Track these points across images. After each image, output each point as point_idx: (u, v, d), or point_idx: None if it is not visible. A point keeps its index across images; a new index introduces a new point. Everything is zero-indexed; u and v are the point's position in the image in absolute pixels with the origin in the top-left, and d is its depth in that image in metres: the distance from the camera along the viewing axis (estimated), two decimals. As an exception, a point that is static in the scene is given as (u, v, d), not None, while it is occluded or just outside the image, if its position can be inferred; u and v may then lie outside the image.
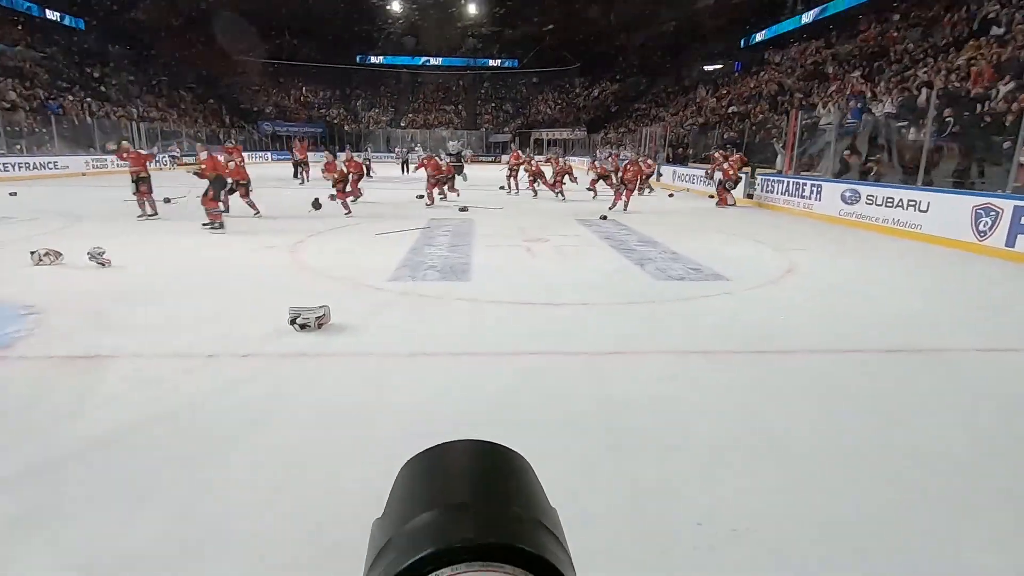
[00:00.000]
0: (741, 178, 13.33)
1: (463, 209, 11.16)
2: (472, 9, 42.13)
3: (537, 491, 0.30)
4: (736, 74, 29.47)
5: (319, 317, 4.05)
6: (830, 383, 3.37)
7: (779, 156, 14.27)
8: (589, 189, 14.29)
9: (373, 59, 45.43)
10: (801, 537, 2.04)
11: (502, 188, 16.14)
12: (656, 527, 2.08)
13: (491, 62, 46.30)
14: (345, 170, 10.77)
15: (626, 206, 11.81)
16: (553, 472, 2.26)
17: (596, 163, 14.78)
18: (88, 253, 5.59)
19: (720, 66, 31.24)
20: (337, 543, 1.94)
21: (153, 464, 2.42)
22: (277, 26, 40.60)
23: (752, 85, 25.51)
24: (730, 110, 24.18)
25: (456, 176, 13.88)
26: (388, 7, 41.46)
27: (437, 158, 13.02)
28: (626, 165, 12.26)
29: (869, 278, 6.11)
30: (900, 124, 11.33)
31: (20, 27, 28.44)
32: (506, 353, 3.77)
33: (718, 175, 13.44)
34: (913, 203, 8.77)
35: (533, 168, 14.92)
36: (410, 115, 44.58)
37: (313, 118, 42.33)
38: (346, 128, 41.52)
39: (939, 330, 4.37)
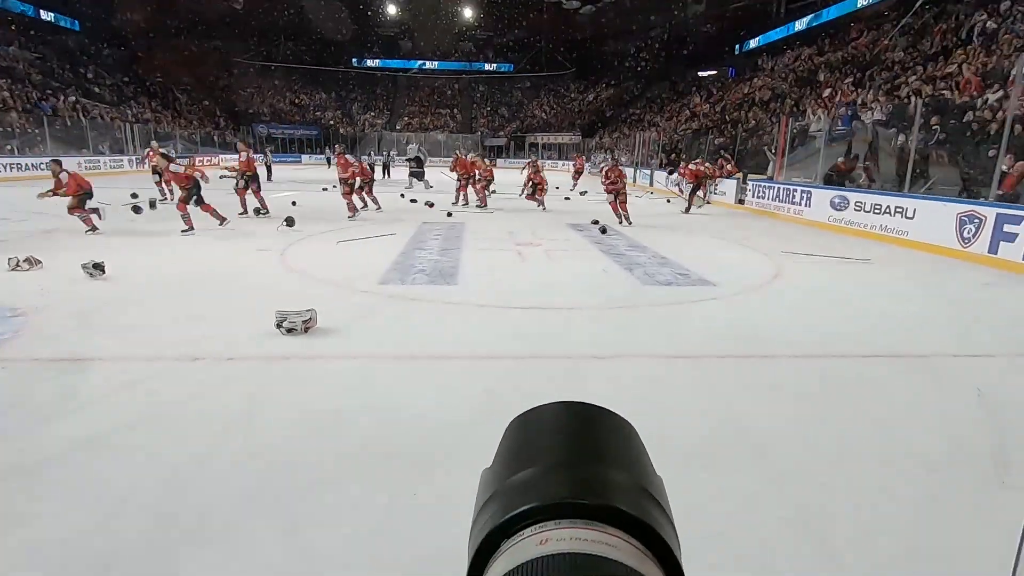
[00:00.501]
0: (701, 183, 12.97)
1: (449, 214, 11.19)
2: (467, 13, 42.30)
3: (643, 458, 0.29)
4: (730, 80, 29.69)
5: (305, 321, 4.07)
6: (813, 387, 3.41)
7: (771, 162, 14.39)
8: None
9: (368, 62, 45.46)
10: (778, 541, 2.07)
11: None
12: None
13: (486, 66, 46.42)
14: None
15: (627, 218, 10.70)
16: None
17: (689, 167, 12.64)
18: (83, 265, 5.45)
19: (714, 72, 31.46)
20: (312, 543, 1.96)
21: (134, 466, 2.43)
22: (272, 29, 40.61)
23: (745, 91, 25.71)
24: (723, 116, 24.36)
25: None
26: (382, 10, 41.58)
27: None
28: (606, 170, 10.96)
29: (855, 283, 6.17)
30: (889, 131, 11.46)
31: (13, 27, 28.33)
32: (489, 356, 3.80)
33: (675, 176, 13.35)
34: (900, 210, 8.86)
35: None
36: (405, 118, 44.62)
37: (308, 121, 42.30)
38: (341, 131, 41.49)
39: (920, 335, 4.43)
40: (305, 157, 38.69)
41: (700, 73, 32.32)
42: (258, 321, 4.15)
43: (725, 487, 2.38)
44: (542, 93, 45.89)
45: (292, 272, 6.13)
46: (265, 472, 2.40)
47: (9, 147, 19.29)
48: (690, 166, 12.73)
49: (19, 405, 2.97)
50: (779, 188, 12.55)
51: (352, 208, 10.61)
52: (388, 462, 2.49)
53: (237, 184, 10.30)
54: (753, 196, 13.66)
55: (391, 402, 3.08)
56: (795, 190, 11.86)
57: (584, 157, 14.66)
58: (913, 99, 12.86)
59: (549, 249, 7.83)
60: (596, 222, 10.52)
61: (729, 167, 13.45)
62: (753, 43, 30.99)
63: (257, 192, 10.32)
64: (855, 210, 9.88)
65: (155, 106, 32.65)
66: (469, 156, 13.79)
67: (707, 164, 13.42)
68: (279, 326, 3.99)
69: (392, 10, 41.76)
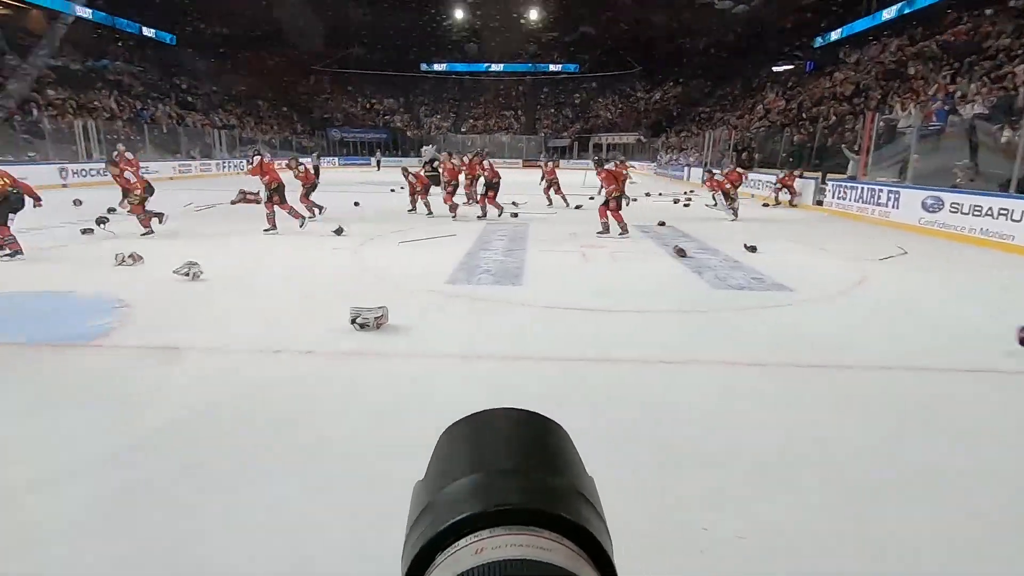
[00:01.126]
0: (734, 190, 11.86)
1: (514, 215, 11.24)
2: (534, 15, 42.43)
3: (575, 460, 0.30)
4: (808, 75, 28.18)
5: (378, 317, 4.22)
6: (892, 401, 3.18)
7: (851, 161, 13.53)
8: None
9: (436, 66, 46.56)
10: (845, 557, 1.95)
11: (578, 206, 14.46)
12: (695, 541, 2.05)
13: (551, 67, 46.41)
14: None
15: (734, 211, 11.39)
16: (598, 480, 2.28)
17: (715, 178, 11.97)
18: (175, 269, 5.58)
19: (791, 67, 29.97)
20: (373, 525, 2.03)
21: (221, 446, 2.61)
22: (346, 36, 42.38)
23: (825, 86, 24.31)
24: (800, 113, 23.15)
25: (431, 186, 11.54)
26: (451, 14, 42.44)
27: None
28: (728, 173, 11.76)
29: (947, 292, 5.70)
30: (993, 126, 10.50)
31: (120, 44, 31.10)
32: (555, 358, 3.79)
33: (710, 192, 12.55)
34: (1005, 212, 8.10)
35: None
36: (470, 120, 45.37)
37: (378, 124, 43.85)
38: (409, 134, 42.76)
39: (1019, 351, 4.03)
40: (374, 160, 40.16)
41: (775, 68, 30.90)
42: (333, 317, 4.34)
43: (798, 501, 2.26)
44: (607, 93, 45.37)
45: (365, 270, 6.37)
46: (328, 462, 2.51)
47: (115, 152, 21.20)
48: (716, 176, 11.91)
49: (126, 386, 3.26)
50: (863, 188, 11.78)
51: (296, 215, 9.26)
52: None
53: (258, 198, 9.64)
54: (833, 197, 12.90)
55: (455, 400, 3.14)
56: (881, 190, 11.10)
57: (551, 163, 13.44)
58: (1021, 90, 11.71)
59: (614, 251, 7.72)
60: (662, 223, 10.29)
61: (726, 175, 12.04)
62: (835, 35, 29.26)
63: (283, 203, 9.08)
64: (951, 212, 9.12)
65: (239, 113, 34.87)
66: (466, 157, 13.02)
67: (736, 170, 12.27)
68: (353, 322, 4.16)
69: (460, 15, 42.54)
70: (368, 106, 45.33)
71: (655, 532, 2.08)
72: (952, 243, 8.63)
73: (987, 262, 7.17)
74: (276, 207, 8.92)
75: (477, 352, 3.86)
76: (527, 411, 0.32)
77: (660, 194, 17.23)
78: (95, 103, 24.13)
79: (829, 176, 13.69)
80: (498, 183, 11.54)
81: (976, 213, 8.60)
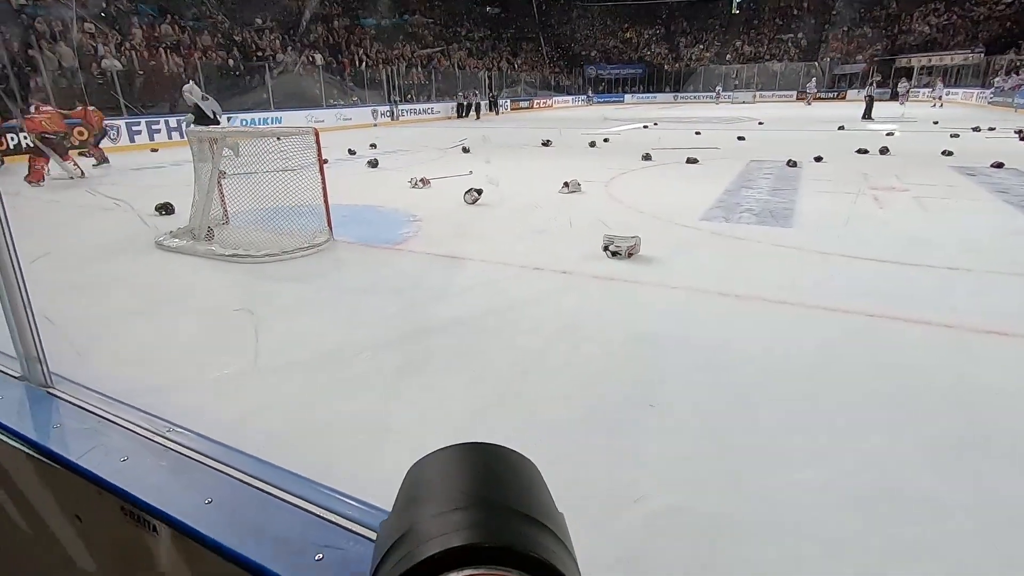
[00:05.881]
0: None
1: (818, 159, 9.80)
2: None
3: (544, 496, 0.29)
4: None
5: (630, 246, 4.20)
6: None
7: None
8: None
9: (703, -11, 42.37)
10: None
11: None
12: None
13: (853, -27, 38.15)
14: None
15: None
16: (887, 457, 1.94)
17: None
18: (466, 192, 6.25)
19: None
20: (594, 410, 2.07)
21: (490, 341, 2.96)
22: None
23: None
24: None
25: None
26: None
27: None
28: None
29: None
30: None
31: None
32: (831, 308, 3.29)
33: None
34: None
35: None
36: (735, 49, 40.62)
37: (634, 60, 42.39)
38: (666, 67, 40.43)
39: None
40: (628, 96, 39.29)
41: None
42: (587, 243, 4.47)
43: None
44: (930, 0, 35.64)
45: (616, 203, 6.38)
46: (585, 380, 2.63)
47: (409, 96, 24.83)
48: None
49: (418, 285, 3.91)
50: None
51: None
52: (718, 396, 2.43)
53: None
54: None
55: (713, 337, 2.97)
56: None
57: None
58: None
59: (920, 196, 6.24)
60: (999, 164, 7.90)
61: None
62: None
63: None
64: None
65: (507, 55, 37.27)
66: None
67: None
68: (606, 249, 4.23)
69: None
70: (625, 39, 43.95)
71: (968, 545, 1.70)
72: None
73: None
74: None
75: (736, 291, 3.57)
76: (493, 445, 0.31)
77: (991, 128, 13.23)
78: (397, 53, 28.39)
79: None
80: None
81: None
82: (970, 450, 2.02)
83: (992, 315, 3.13)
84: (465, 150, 11.21)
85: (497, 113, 26.84)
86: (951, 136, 11.48)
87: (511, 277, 3.95)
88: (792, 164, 8.52)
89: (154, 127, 13.39)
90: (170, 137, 13.38)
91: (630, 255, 4.20)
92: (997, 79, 24.32)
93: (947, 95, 25.91)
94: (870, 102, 17.91)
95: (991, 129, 13.12)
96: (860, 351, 2.78)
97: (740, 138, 12.83)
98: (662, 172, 8.42)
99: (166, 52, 16.78)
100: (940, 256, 4.14)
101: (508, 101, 29.14)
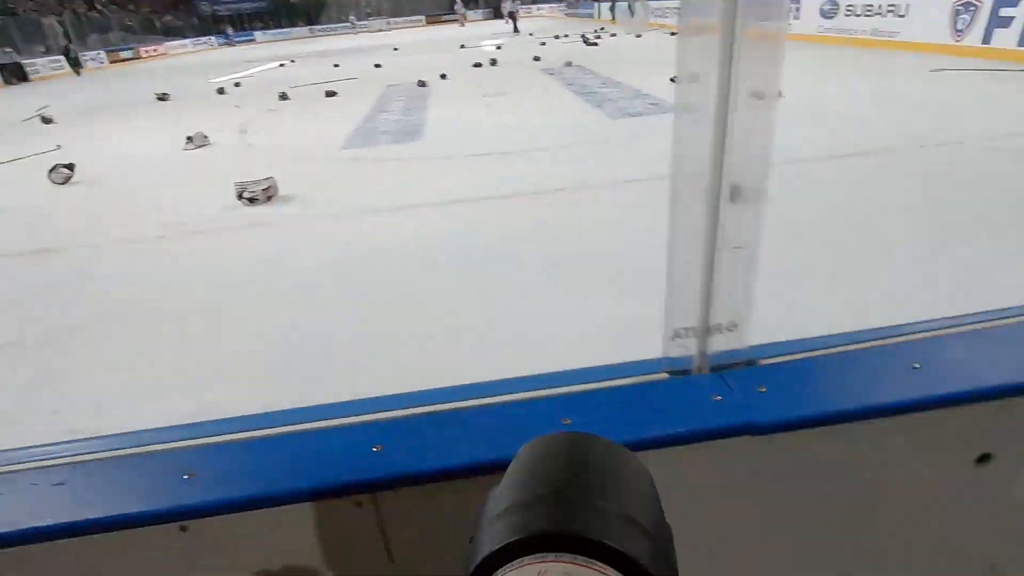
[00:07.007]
0: None
1: (443, 76, 10.28)
2: None
3: (655, 505, 0.28)
4: None
5: (265, 189, 4.02)
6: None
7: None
8: None
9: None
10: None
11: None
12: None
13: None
14: None
15: None
16: (494, 294, 2.41)
17: None
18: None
19: None
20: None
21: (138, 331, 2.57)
22: None
23: None
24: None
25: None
26: None
27: None
28: None
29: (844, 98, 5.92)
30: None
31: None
32: (451, 201, 3.80)
33: None
34: (892, 7, 8.23)
35: None
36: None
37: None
38: (292, -1, 37.50)
39: (879, 133, 4.36)
40: (259, 34, 35.51)
41: None
42: (223, 196, 4.09)
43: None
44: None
45: (253, 149, 5.92)
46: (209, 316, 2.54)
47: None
48: None
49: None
50: None
51: None
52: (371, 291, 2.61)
53: None
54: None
55: (352, 255, 3.14)
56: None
57: None
58: None
59: (518, 99, 7.44)
60: (570, 64, 9.87)
61: None
62: None
63: None
64: (845, 15, 9.19)
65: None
66: None
67: None
68: (240, 196, 3.96)
69: None
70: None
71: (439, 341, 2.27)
72: (849, 48, 8.79)
73: (875, 64, 7.41)
74: None
75: (373, 207, 3.80)
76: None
77: (566, 36, 16.39)
78: None
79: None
80: None
81: (868, 13, 8.68)
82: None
83: (565, 177, 4.06)
84: (45, 120, 8.78)
85: (79, 72, 20.38)
86: (540, 44, 13.82)
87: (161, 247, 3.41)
88: (422, 84, 9.12)
89: None
90: None
91: (269, 198, 4.03)
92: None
93: (537, 9, 30.89)
94: (513, 18, 20.58)
95: (565, 36, 16.19)
96: (475, 229, 3.31)
97: (377, 65, 13.05)
98: (301, 109, 8.09)
99: None
100: (526, 143, 5.09)
101: (103, 53, 23.35)
